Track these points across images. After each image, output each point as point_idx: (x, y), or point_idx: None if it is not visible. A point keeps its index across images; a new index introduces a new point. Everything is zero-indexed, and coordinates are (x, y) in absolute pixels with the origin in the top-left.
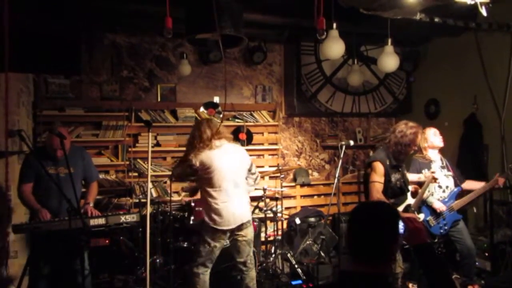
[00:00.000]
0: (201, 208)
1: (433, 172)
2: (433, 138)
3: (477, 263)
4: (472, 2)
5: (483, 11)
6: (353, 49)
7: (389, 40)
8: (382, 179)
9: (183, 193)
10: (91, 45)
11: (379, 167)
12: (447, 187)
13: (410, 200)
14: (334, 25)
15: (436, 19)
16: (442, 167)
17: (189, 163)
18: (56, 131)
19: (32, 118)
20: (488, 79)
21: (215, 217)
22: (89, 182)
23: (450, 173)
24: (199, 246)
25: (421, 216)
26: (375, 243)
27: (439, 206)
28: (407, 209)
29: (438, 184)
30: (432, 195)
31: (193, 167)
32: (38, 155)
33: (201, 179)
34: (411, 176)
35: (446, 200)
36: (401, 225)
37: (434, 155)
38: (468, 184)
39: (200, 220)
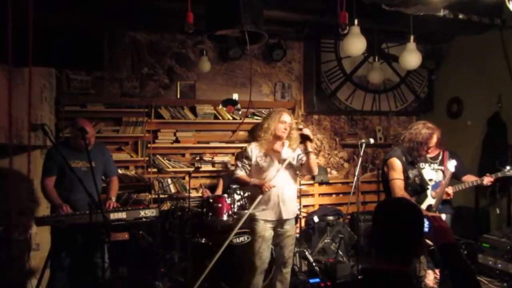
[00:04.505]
0: (220, 205)
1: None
2: None
3: (499, 265)
4: None
5: (511, 6)
6: (374, 47)
7: (412, 37)
8: (401, 176)
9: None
10: (113, 42)
11: (396, 164)
12: (430, 180)
13: (430, 200)
14: (356, 22)
15: (460, 16)
16: (433, 162)
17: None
18: (78, 125)
19: (54, 113)
20: None
21: None
22: (109, 177)
23: (441, 167)
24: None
25: (443, 216)
26: (399, 240)
27: None
28: (429, 209)
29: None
30: None
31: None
32: (62, 148)
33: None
34: None
35: None
36: (426, 223)
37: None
38: (466, 177)
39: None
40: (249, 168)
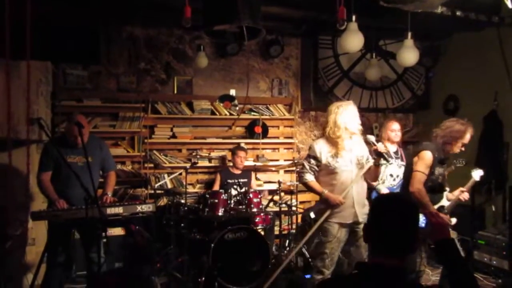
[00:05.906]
0: (216, 200)
1: (463, 192)
2: (390, 133)
3: (494, 262)
4: None
5: (509, 3)
6: (372, 43)
7: (409, 34)
8: (427, 171)
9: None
10: (110, 37)
11: (428, 157)
12: (397, 176)
13: (444, 202)
14: (353, 18)
15: (458, 13)
16: (397, 157)
17: None
18: (75, 120)
19: (50, 108)
20: (510, 76)
21: None
22: (107, 172)
23: (403, 163)
24: None
25: (453, 220)
26: (394, 234)
27: (385, 192)
28: (440, 210)
29: (390, 173)
30: (383, 183)
31: None
32: (58, 143)
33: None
34: None
35: (395, 187)
36: (422, 219)
37: (391, 146)
38: None
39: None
40: (317, 169)
